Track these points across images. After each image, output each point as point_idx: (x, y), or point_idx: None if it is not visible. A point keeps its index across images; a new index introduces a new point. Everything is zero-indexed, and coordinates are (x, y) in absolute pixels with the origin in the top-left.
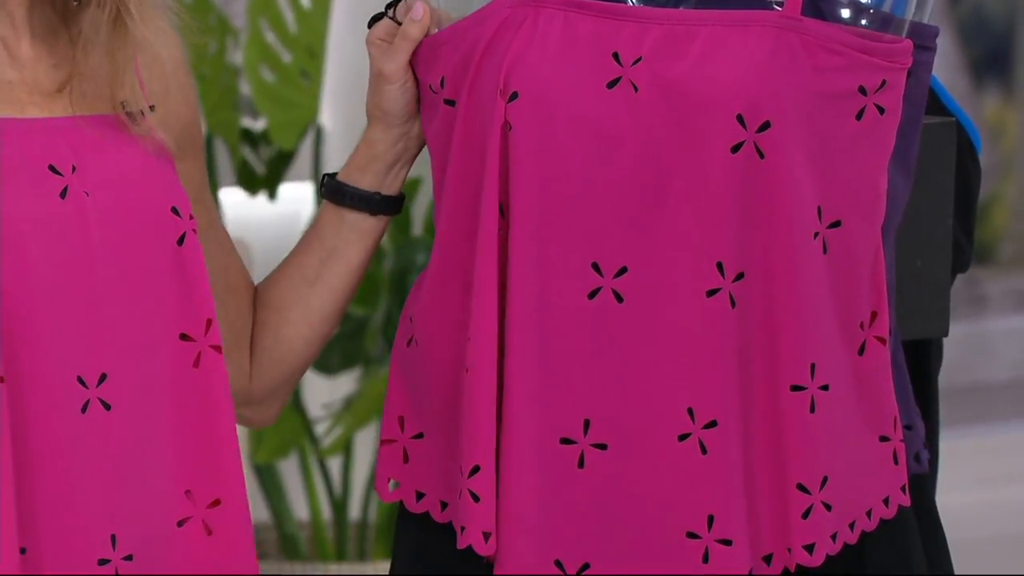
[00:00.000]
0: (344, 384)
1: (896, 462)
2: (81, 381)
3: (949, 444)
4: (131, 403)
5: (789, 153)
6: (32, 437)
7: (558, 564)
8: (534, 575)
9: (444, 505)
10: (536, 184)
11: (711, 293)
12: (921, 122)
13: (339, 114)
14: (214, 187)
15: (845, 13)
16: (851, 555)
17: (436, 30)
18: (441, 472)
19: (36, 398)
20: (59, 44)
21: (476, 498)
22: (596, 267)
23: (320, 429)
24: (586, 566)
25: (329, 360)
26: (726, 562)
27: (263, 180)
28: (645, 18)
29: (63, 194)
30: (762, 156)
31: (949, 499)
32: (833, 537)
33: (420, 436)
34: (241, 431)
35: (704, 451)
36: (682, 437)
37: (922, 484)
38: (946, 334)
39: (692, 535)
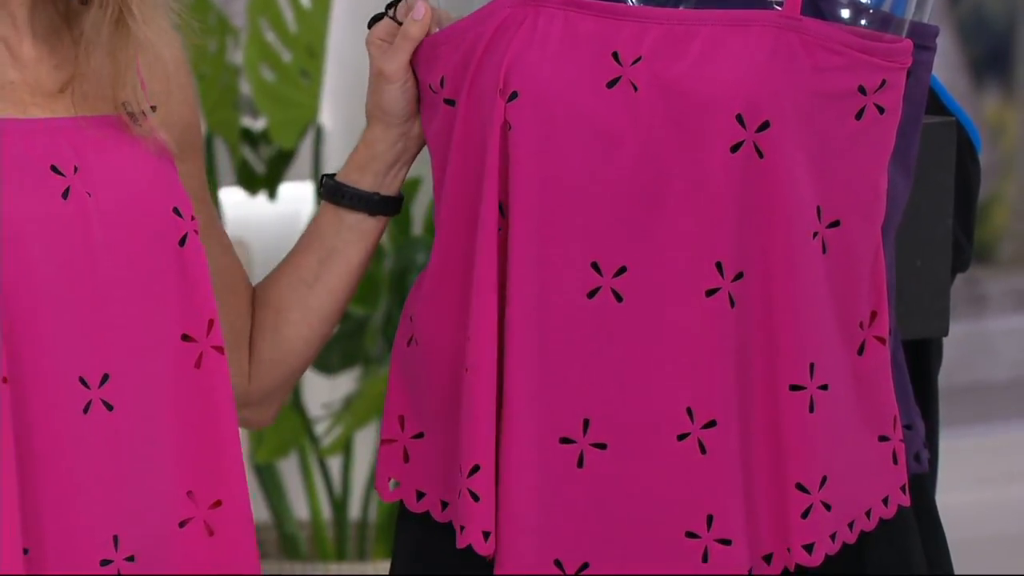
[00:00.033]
0: (344, 384)
1: (896, 462)
2: (83, 382)
3: (949, 444)
4: (133, 404)
5: (788, 153)
6: (35, 438)
7: (557, 564)
8: (534, 575)
9: (444, 504)
10: (536, 183)
11: (710, 293)
12: (921, 122)
13: (339, 114)
14: (214, 186)
15: (845, 13)
16: (851, 555)
17: (436, 29)
18: (441, 471)
19: (39, 399)
20: (61, 44)
21: (476, 497)
22: (595, 266)
23: (320, 429)
24: (585, 565)
25: (329, 360)
26: (725, 562)
27: (263, 180)
28: (645, 18)
29: (65, 194)
30: (761, 156)
31: (949, 499)
32: (832, 537)
33: (420, 435)
34: (241, 431)
35: (703, 451)
36: (681, 437)
37: (922, 484)
38: (946, 333)
39: (691, 535)
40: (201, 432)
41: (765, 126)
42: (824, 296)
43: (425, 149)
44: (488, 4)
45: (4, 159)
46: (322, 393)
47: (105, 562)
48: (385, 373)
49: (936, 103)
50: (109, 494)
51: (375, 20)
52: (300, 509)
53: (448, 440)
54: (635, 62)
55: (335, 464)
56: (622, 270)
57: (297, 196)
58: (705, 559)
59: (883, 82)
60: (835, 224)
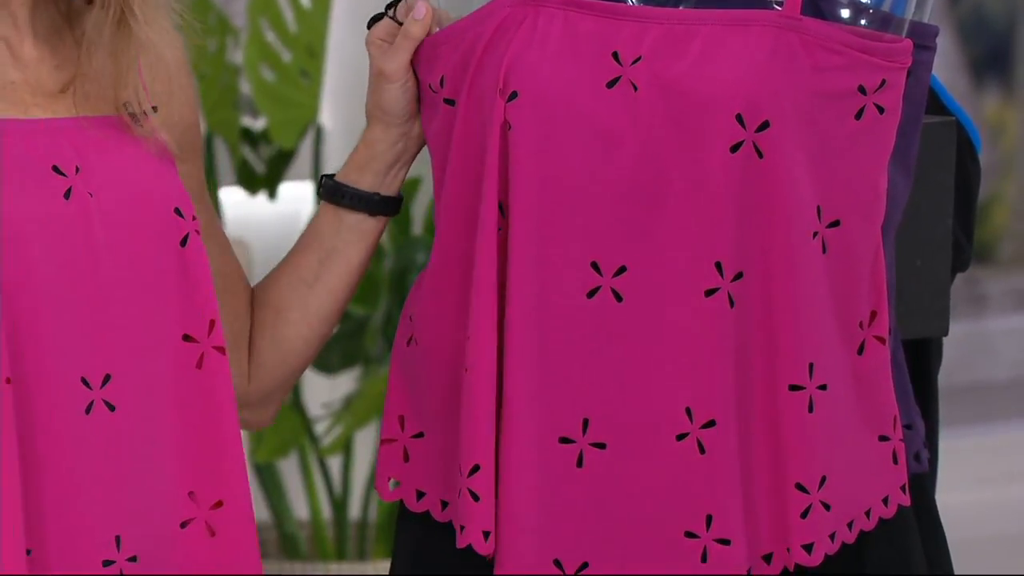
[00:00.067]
0: (344, 383)
1: (896, 462)
2: (85, 382)
3: (949, 443)
4: (135, 404)
5: (788, 153)
6: (38, 438)
7: (557, 563)
8: (533, 574)
9: (444, 504)
10: (535, 183)
11: (710, 293)
12: (921, 121)
13: (339, 113)
14: (214, 186)
15: (845, 13)
16: (851, 554)
17: (436, 29)
18: (441, 471)
19: (41, 399)
20: (62, 45)
21: (476, 497)
22: (595, 266)
23: (320, 428)
24: (585, 565)
25: (329, 359)
26: (724, 561)
27: (263, 179)
28: (645, 17)
29: (67, 195)
30: (761, 156)
31: (949, 498)
32: (832, 537)
33: (420, 435)
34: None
35: (702, 451)
36: (680, 436)
37: (922, 483)
38: (946, 333)
39: (690, 534)
40: (202, 433)
41: (765, 126)
42: (824, 296)
43: (425, 149)
44: (488, 4)
45: (5, 159)
46: (322, 393)
47: (107, 562)
48: (385, 373)
49: (936, 103)
50: (111, 494)
51: (375, 20)
52: (300, 509)
53: (448, 440)
54: (635, 62)
55: (335, 464)
56: (622, 270)
57: (297, 196)
58: (704, 559)
59: (883, 82)
60: (835, 224)
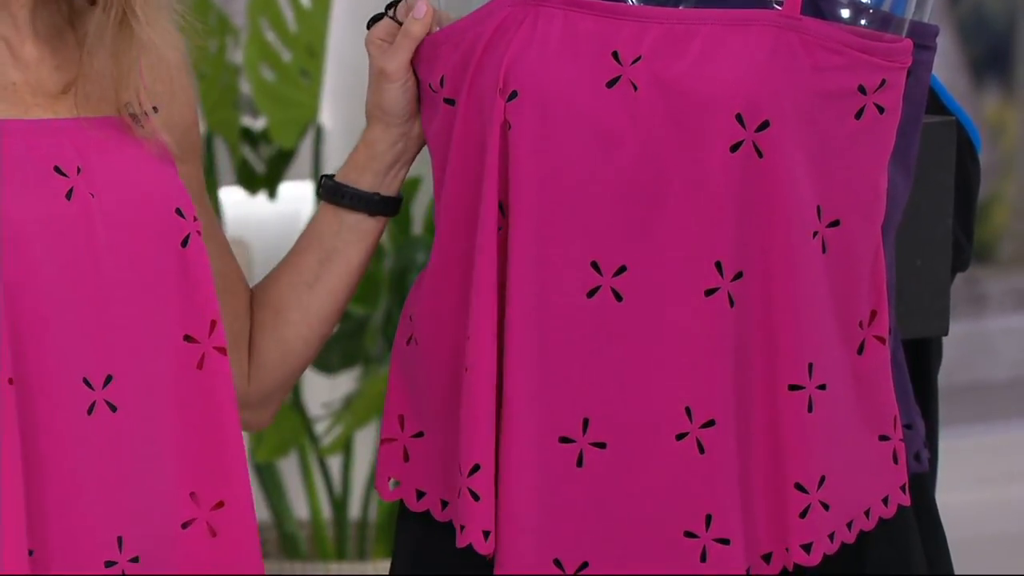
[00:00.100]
0: (344, 383)
1: (896, 461)
2: (87, 383)
3: (949, 443)
4: (136, 405)
5: (788, 152)
6: (40, 439)
7: (557, 563)
8: (533, 574)
9: (444, 504)
10: (535, 183)
11: (710, 292)
12: (921, 121)
13: (339, 113)
14: (214, 186)
15: (845, 13)
16: (850, 554)
17: (436, 29)
18: (441, 471)
19: (43, 400)
20: (63, 46)
21: (476, 497)
22: (595, 266)
23: (320, 428)
24: (584, 565)
25: (329, 359)
26: (724, 561)
27: (263, 179)
28: (645, 17)
29: (68, 195)
30: (761, 155)
31: (949, 498)
32: (831, 536)
33: (420, 435)
34: None
35: (702, 450)
36: (680, 436)
37: (922, 483)
38: (946, 333)
39: (690, 534)
40: (203, 433)
41: (765, 126)
42: (824, 296)
43: (425, 149)
44: (488, 4)
45: (7, 160)
46: (322, 392)
47: (109, 563)
48: (385, 372)
49: (936, 103)
50: (113, 495)
51: (375, 20)
52: (300, 508)
53: (448, 439)
54: (635, 61)
55: (335, 463)
56: (622, 269)
57: (297, 196)
58: (703, 559)
59: (883, 82)
60: (835, 224)
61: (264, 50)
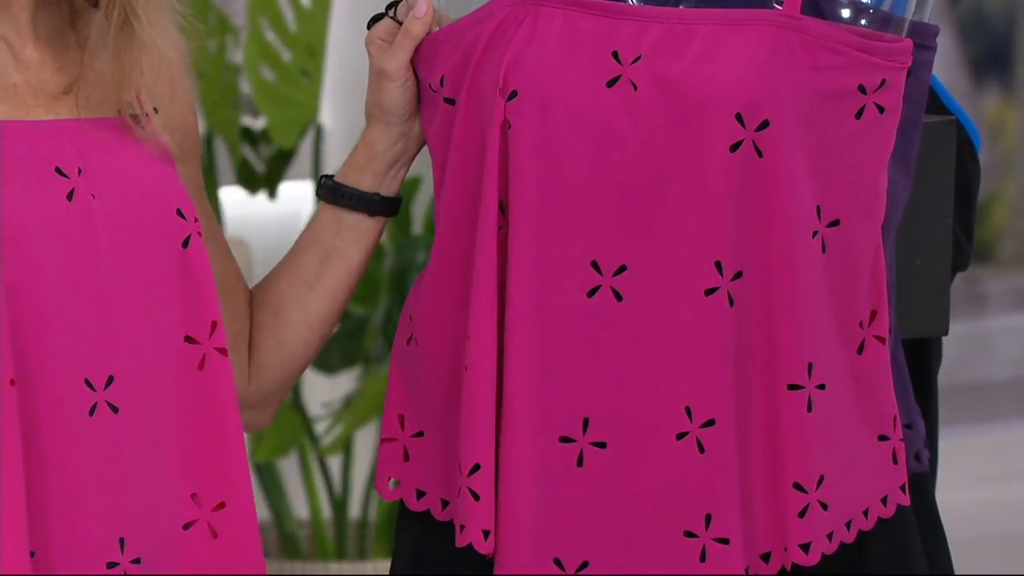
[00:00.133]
0: (344, 383)
1: (895, 461)
2: (89, 384)
3: (949, 443)
4: (137, 406)
5: (788, 152)
6: (42, 440)
7: (557, 562)
8: (533, 574)
9: (445, 503)
10: (535, 182)
11: (709, 292)
12: (921, 121)
13: (339, 113)
14: (214, 186)
15: (845, 12)
16: (850, 553)
17: (437, 28)
18: (441, 470)
19: (45, 401)
20: (64, 48)
21: (476, 496)
22: (595, 265)
23: (320, 428)
24: (584, 564)
25: (329, 359)
26: (723, 561)
27: (263, 179)
28: (645, 16)
29: (70, 196)
30: (761, 155)
31: (949, 497)
32: (829, 536)
33: (420, 434)
34: None
35: (702, 450)
36: (680, 436)
37: (922, 482)
38: (946, 333)
39: (689, 534)
40: (205, 434)
41: (764, 125)
42: (823, 295)
43: (425, 149)
44: (488, 3)
45: (8, 161)
46: (322, 392)
47: (111, 564)
48: (385, 372)
49: (936, 102)
50: (115, 496)
51: (375, 20)
52: (300, 508)
53: (448, 439)
54: (635, 61)
55: (335, 463)
56: (622, 269)
57: (297, 195)
58: (703, 558)
59: (883, 81)
60: (835, 223)
61: (264, 50)
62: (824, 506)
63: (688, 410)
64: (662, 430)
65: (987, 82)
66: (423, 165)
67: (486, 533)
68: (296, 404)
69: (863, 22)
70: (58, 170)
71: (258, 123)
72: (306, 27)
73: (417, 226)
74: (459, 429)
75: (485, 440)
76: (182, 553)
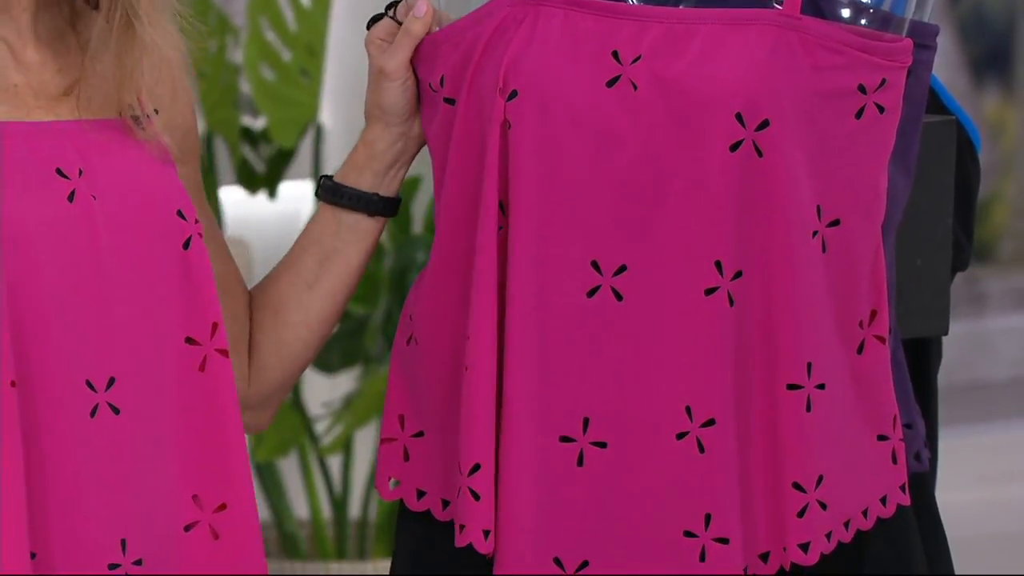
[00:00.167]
0: (344, 382)
1: (895, 461)
2: (90, 385)
3: (949, 442)
4: (139, 407)
5: (788, 152)
6: (43, 441)
7: (557, 562)
8: (533, 574)
9: (445, 503)
10: (535, 182)
11: (709, 292)
12: (921, 121)
13: (339, 112)
14: (214, 186)
15: (845, 12)
16: (850, 553)
17: (436, 28)
18: (442, 470)
19: (46, 402)
20: (65, 49)
21: (476, 496)
22: (595, 265)
23: (320, 427)
24: (584, 564)
25: (329, 358)
26: (723, 561)
27: (263, 179)
28: (645, 16)
29: (70, 197)
30: (761, 155)
31: (949, 497)
32: (828, 536)
33: (420, 434)
34: None
35: (702, 450)
36: (680, 435)
37: (922, 482)
38: (946, 332)
39: (689, 534)
40: (206, 435)
41: (764, 125)
42: (823, 295)
43: (425, 149)
44: (488, 3)
45: (8, 162)
46: (322, 392)
47: (113, 566)
48: (385, 372)
49: (936, 102)
50: (116, 498)
51: (375, 20)
52: (300, 508)
53: (448, 439)
54: (635, 61)
55: (335, 463)
56: (622, 269)
57: (297, 195)
58: (703, 558)
59: (883, 81)
60: (835, 223)
61: (264, 50)
62: (823, 506)
63: (688, 410)
64: (662, 430)
65: (987, 82)
66: (423, 165)
67: (486, 533)
68: (296, 404)
69: (863, 22)
70: (59, 171)
71: (258, 123)
72: (306, 27)
73: (417, 226)
74: (459, 429)
75: (485, 440)
76: (183, 554)
